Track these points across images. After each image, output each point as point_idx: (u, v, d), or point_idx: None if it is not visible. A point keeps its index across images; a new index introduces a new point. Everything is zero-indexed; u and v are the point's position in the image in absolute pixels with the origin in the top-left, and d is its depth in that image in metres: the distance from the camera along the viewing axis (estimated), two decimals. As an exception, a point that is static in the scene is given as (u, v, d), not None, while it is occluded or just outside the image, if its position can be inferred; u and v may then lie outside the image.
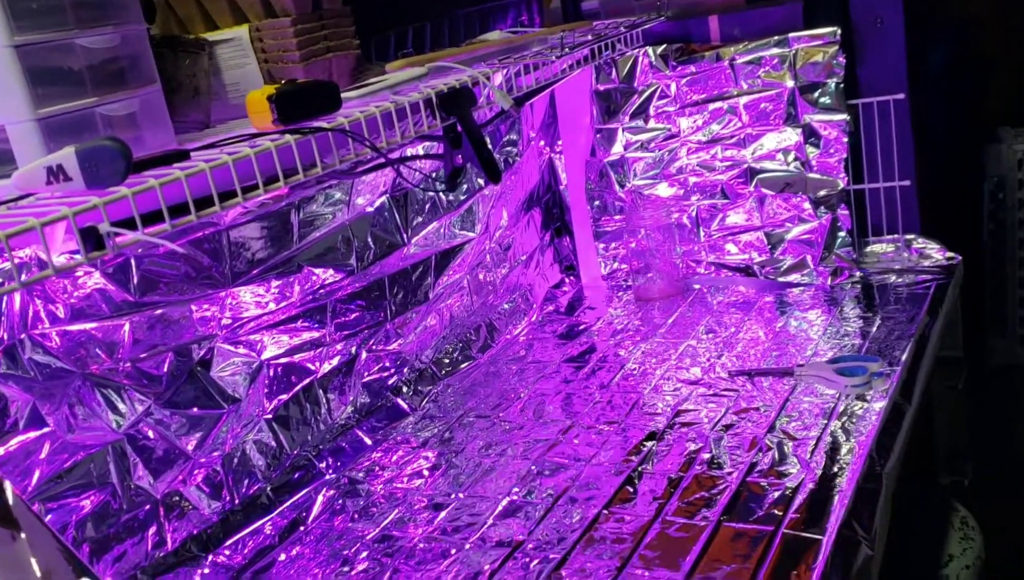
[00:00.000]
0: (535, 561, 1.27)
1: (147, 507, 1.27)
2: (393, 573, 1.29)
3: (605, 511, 1.35)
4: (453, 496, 1.47)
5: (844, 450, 1.40)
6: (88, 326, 1.19)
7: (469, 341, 2.01)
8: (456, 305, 1.94)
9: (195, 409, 1.34)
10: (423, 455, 1.63)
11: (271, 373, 1.48)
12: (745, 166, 2.11)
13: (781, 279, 2.11)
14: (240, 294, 1.40)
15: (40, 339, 1.15)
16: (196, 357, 1.35)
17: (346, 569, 1.32)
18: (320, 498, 1.51)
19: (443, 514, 1.42)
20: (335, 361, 1.61)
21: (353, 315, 1.63)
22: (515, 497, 1.44)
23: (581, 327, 2.12)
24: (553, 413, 1.71)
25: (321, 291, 1.52)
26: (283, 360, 1.50)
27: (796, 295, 2.06)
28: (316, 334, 1.54)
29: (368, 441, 1.67)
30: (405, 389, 1.82)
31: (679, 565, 1.20)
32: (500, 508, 1.41)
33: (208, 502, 1.37)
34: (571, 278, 2.34)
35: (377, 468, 1.60)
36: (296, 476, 1.53)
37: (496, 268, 2.08)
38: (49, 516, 1.13)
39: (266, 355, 1.47)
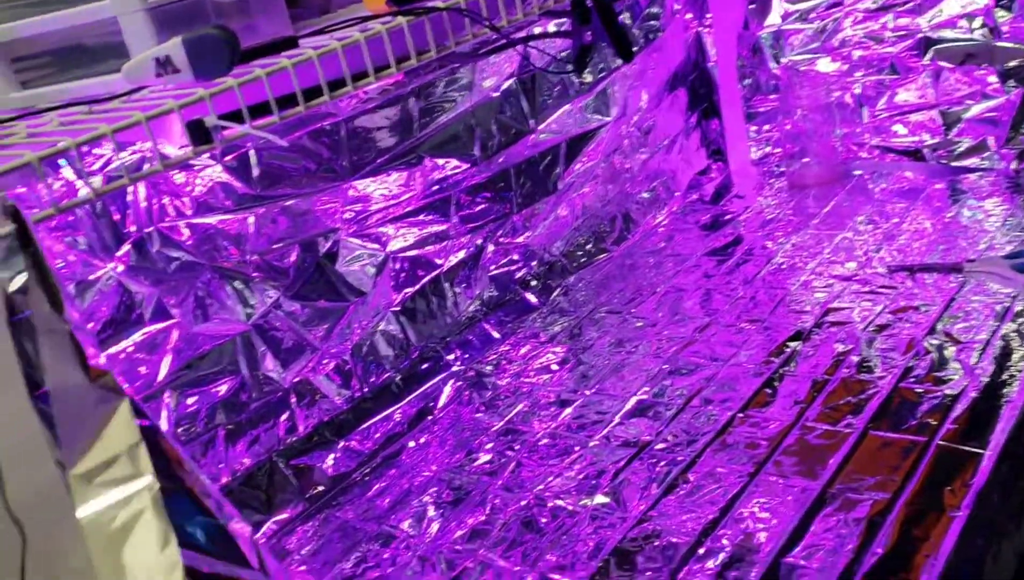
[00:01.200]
0: (662, 462, 1.21)
1: (278, 395, 1.30)
2: (516, 466, 1.28)
3: (740, 414, 1.28)
4: (580, 393, 1.43)
5: (1017, 356, 1.24)
6: (214, 219, 1.20)
7: (603, 232, 1.92)
8: (589, 194, 1.85)
9: (322, 301, 1.34)
10: (551, 350, 1.59)
11: (396, 266, 1.46)
12: (920, 36, 1.87)
13: (955, 164, 1.89)
14: (362, 187, 1.38)
15: (169, 232, 1.17)
16: (322, 250, 1.34)
17: (470, 459, 1.32)
18: (447, 389, 1.51)
19: (569, 410, 1.38)
20: (461, 254, 1.57)
21: (478, 207, 1.58)
22: (645, 396, 1.38)
23: (727, 217, 1.99)
24: (690, 310, 1.62)
25: (444, 183, 1.48)
26: (408, 253, 1.48)
27: (972, 181, 1.85)
28: (441, 227, 1.50)
29: (496, 335, 1.64)
30: (534, 282, 1.77)
31: (817, 474, 1.12)
32: (628, 407, 1.36)
33: (338, 390, 1.39)
34: (718, 164, 2.19)
35: (504, 362, 1.57)
36: (424, 367, 1.52)
37: (634, 154, 1.97)
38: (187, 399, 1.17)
39: (391, 248, 1.45)
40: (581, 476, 1.22)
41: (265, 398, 1.27)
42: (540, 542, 1.12)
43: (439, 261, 1.53)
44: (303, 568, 1.17)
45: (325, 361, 1.36)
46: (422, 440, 1.40)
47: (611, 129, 1.84)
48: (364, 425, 1.40)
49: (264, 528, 1.24)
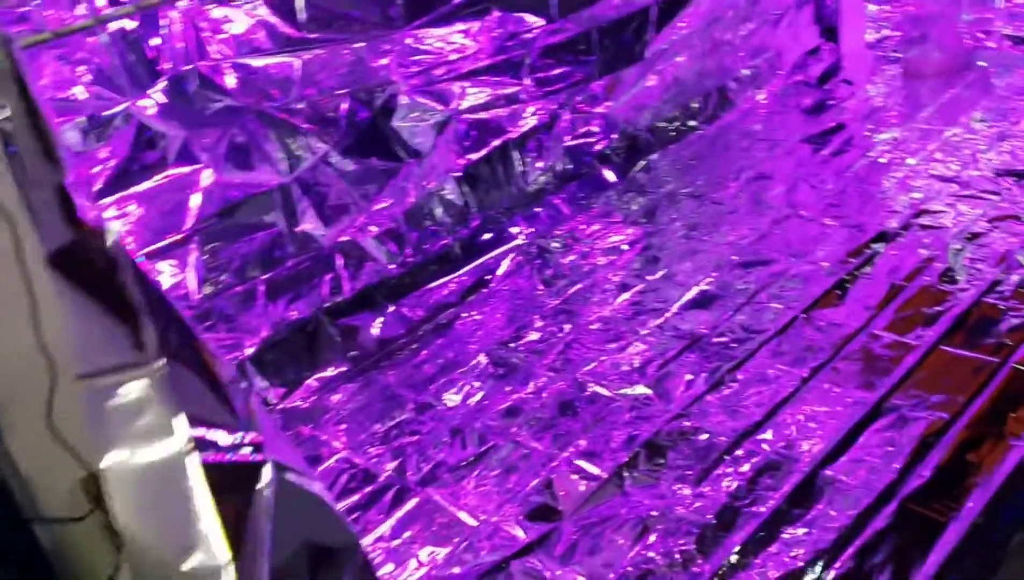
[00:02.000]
0: (713, 358, 1.15)
1: (322, 253, 1.28)
2: (564, 348, 1.24)
3: (804, 315, 1.20)
4: (643, 278, 1.36)
5: (1123, 282, 1.12)
6: (260, 62, 1.15)
7: (694, 109, 1.80)
8: (682, 65, 1.73)
9: (375, 159, 1.30)
10: (623, 230, 1.52)
11: (460, 128, 1.40)
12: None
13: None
14: (422, 37, 1.31)
15: (209, 73, 1.12)
16: (377, 104, 1.29)
17: (518, 335, 1.29)
18: (507, 262, 1.46)
19: (627, 295, 1.33)
20: (532, 120, 1.49)
21: (555, 71, 1.48)
22: (708, 287, 1.31)
23: (831, 102, 1.84)
24: (774, 199, 1.52)
25: (516, 40, 1.39)
26: (474, 115, 1.41)
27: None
28: (511, 89, 1.43)
29: (565, 210, 1.57)
30: (613, 157, 1.68)
31: (875, 386, 1.04)
32: (689, 297, 1.29)
33: (388, 254, 1.36)
34: (829, 44, 2.00)
35: (570, 239, 1.51)
36: (485, 238, 1.48)
37: (738, 25, 1.81)
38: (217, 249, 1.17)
39: (455, 107, 1.38)
40: (626, 365, 1.18)
41: (307, 256, 1.25)
42: (574, 426, 1.09)
43: (508, 126, 1.46)
44: (342, 427, 1.18)
45: (373, 224, 1.33)
46: (474, 312, 1.37)
47: (712, -6, 1.69)
48: (416, 291, 1.39)
49: (305, 383, 1.25)
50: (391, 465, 1.08)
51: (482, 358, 1.25)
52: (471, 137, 1.41)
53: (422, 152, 1.34)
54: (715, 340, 1.19)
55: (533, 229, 1.54)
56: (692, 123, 1.79)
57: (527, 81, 1.44)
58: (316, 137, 1.22)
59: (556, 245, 1.52)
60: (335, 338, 1.30)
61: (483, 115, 1.41)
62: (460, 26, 1.33)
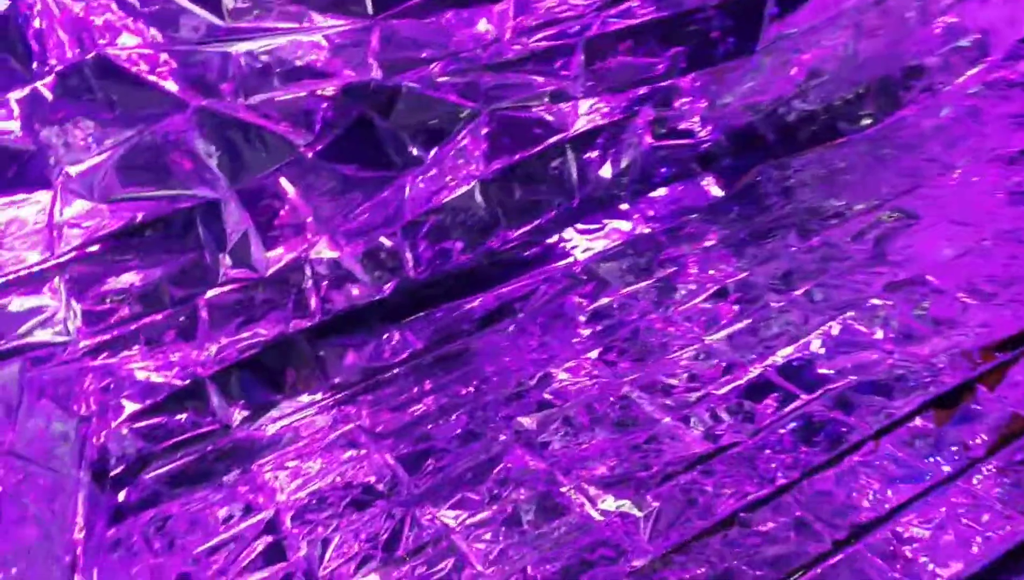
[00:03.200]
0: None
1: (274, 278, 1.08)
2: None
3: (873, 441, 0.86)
4: (711, 334, 1.06)
5: None
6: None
7: (846, 107, 1.40)
8: (833, 48, 1.33)
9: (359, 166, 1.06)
10: (709, 262, 1.21)
11: (487, 127, 1.12)
12: None
13: None
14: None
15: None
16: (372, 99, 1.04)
17: (540, 383, 1.04)
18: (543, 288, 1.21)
19: (689, 354, 1.03)
20: (594, 118, 1.18)
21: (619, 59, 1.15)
22: (770, 376, 0.99)
23: (1048, 112, 1.38)
24: (914, 253, 1.13)
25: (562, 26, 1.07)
26: (506, 112, 1.12)
27: None
28: (556, 84, 1.12)
29: (636, 228, 1.28)
30: (716, 165, 1.34)
31: None
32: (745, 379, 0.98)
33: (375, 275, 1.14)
34: (1063, 29, 1.51)
35: (636, 268, 1.23)
36: (520, 255, 1.23)
37: None
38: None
39: (480, 104, 1.10)
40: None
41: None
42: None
43: (558, 124, 1.16)
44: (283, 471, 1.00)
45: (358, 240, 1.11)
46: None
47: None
48: (420, 314, 1.17)
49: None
50: (306, 551, 0.89)
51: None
52: (503, 137, 1.13)
53: (424, 158, 1.08)
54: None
55: (587, 249, 1.26)
56: (843, 125, 1.40)
57: (579, 74, 1.12)
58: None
59: (613, 270, 1.24)
60: (315, 361, 1.12)
61: (520, 113, 1.13)
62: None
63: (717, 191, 1.34)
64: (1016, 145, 1.31)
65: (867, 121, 1.41)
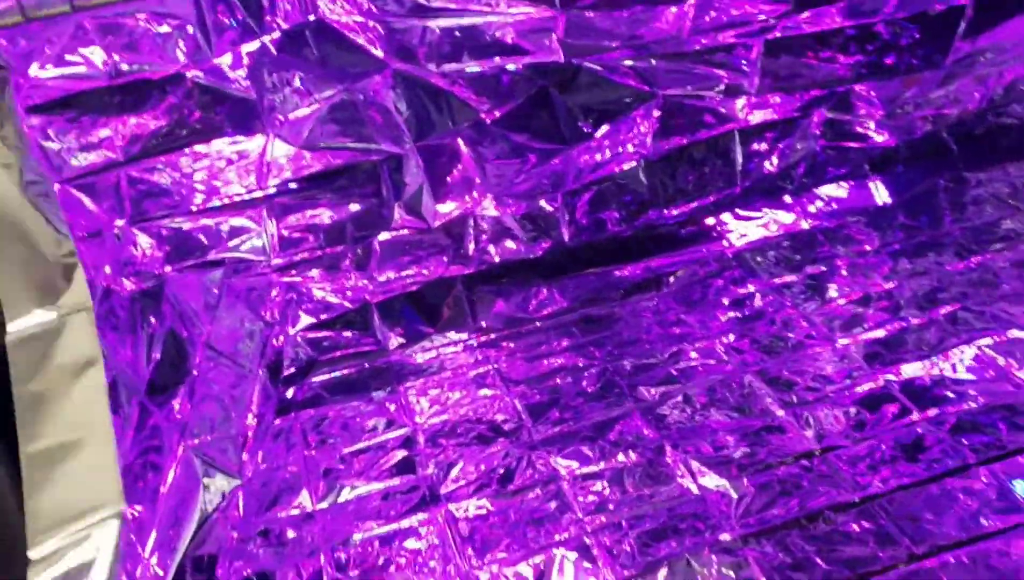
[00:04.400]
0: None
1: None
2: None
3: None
4: (842, 339, 1.09)
5: None
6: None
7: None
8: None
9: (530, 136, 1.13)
10: (865, 271, 1.22)
11: (656, 111, 1.17)
12: None
13: None
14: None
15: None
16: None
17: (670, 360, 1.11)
18: (688, 269, 1.27)
19: (833, 364, 1.07)
20: (767, 113, 1.20)
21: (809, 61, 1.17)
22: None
23: None
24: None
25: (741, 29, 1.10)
26: (679, 99, 1.17)
27: None
28: (729, 81, 1.15)
29: (791, 224, 1.30)
30: (897, 166, 1.32)
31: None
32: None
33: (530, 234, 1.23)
34: None
35: (787, 262, 1.26)
36: (681, 232, 1.28)
37: None
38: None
39: (652, 90, 1.15)
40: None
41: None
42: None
43: (731, 114, 1.20)
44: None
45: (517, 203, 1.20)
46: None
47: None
48: (571, 276, 1.25)
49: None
50: (433, 470, 1.01)
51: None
52: (674, 120, 1.18)
53: (594, 134, 1.15)
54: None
55: (743, 235, 1.30)
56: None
57: (755, 72, 1.15)
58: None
59: (764, 260, 1.27)
60: (468, 303, 1.24)
61: (694, 101, 1.17)
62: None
63: (885, 197, 1.34)
64: None
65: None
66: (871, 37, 1.12)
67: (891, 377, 1.02)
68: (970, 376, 1.00)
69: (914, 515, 0.84)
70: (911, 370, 1.02)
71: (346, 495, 0.99)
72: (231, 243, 1.04)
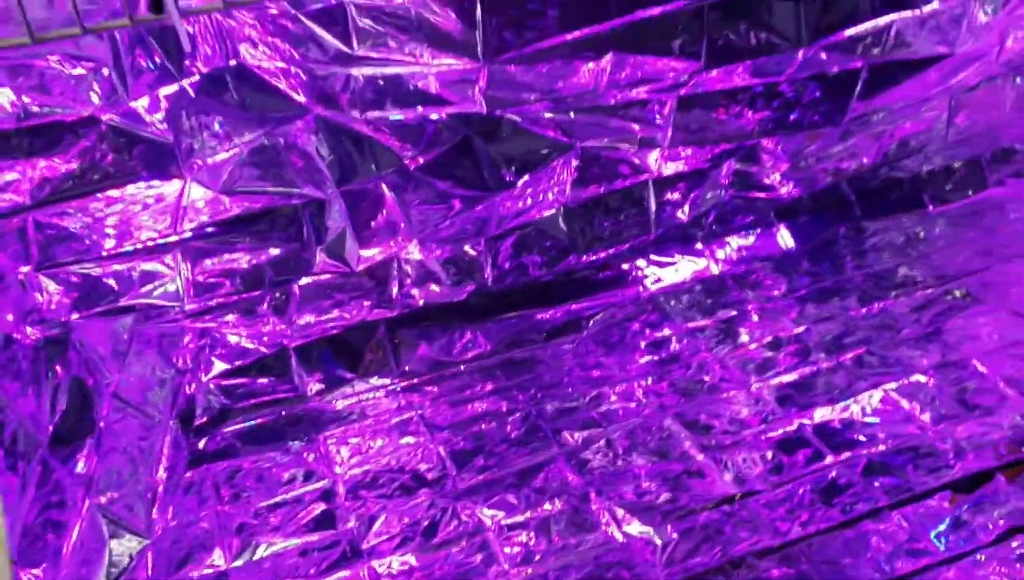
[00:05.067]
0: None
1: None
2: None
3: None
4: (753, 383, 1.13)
5: None
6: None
7: (925, 181, 1.42)
8: (922, 125, 1.36)
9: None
10: (774, 315, 1.26)
11: (576, 161, 1.19)
12: None
13: None
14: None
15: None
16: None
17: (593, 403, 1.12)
18: (608, 312, 1.28)
19: (749, 408, 1.10)
20: (679, 165, 1.24)
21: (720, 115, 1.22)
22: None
23: None
24: (973, 332, 1.17)
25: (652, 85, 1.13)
26: (597, 151, 1.19)
27: None
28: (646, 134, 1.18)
29: (700, 270, 1.34)
30: (799, 217, 1.39)
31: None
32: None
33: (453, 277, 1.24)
34: None
35: (697, 308, 1.29)
36: (597, 276, 1.31)
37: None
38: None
39: (572, 141, 1.17)
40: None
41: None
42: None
43: (645, 165, 1.23)
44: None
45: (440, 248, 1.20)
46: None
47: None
48: (494, 319, 1.25)
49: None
50: (354, 523, 0.98)
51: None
52: (591, 170, 1.20)
53: (516, 183, 1.15)
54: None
55: (658, 280, 1.33)
56: (926, 197, 1.43)
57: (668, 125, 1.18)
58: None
59: (678, 305, 1.30)
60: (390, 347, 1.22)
61: (610, 153, 1.19)
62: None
63: (791, 244, 1.39)
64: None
65: (952, 196, 1.44)
66: (776, 95, 1.18)
67: (804, 420, 1.05)
68: (877, 419, 1.04)
69: (832, 559, 0.87)
70: (822, 413, 1.06)
71: (261, 552, 0.96)
72: (143, 289, 1.01)
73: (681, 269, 1.36)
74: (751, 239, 1.39)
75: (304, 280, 1.10)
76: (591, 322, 1.29)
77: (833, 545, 0.88)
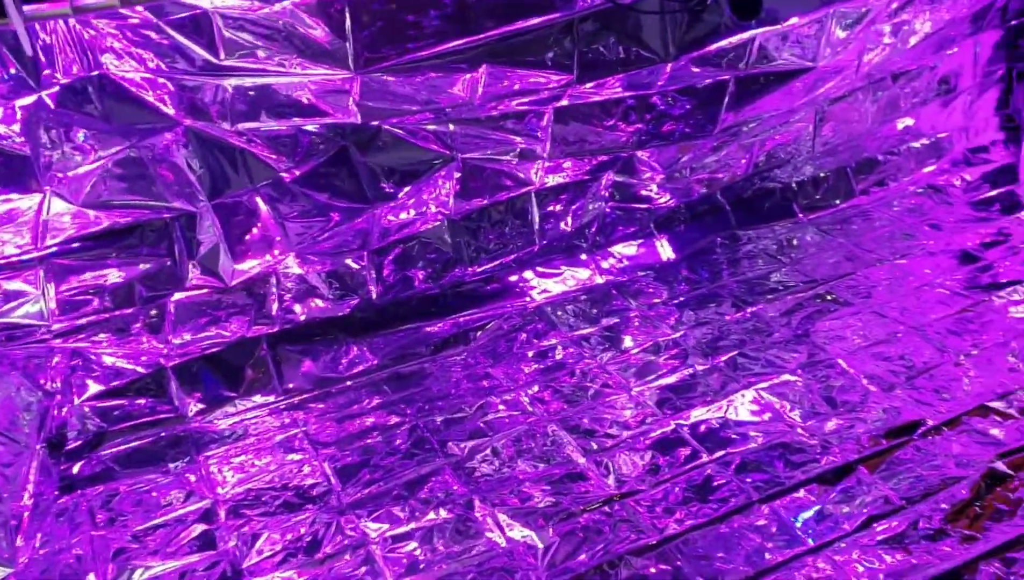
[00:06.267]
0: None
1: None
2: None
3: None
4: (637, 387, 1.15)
5: None
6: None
7: (795, 191, 1.49)
8: (789, 136, 1.42)
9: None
10: (655, 321, 1.30)
11: (457, 173, 1.20)
12: None
13: None
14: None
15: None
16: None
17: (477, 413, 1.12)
18: (494, 323, 1.30)
19: (632, 411, 1.12)
20: (559, 178, 1.27)
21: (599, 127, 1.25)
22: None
23: (989, 220, 1.48)
24: (839, 331, 1.23)
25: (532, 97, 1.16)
26: (477, 162, 1.21)
27: None
28: (527, 146, 1.20)
29: (581, 278, 1.37)
30: (678, 226, 1.43)
31: None
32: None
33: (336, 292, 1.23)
34: (1012, 146, 1.61)
35: (581, 316, 1.32)
36: (482, 289, 1.32)
37: (884, 92, 1.47)
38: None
39: (452, 153, 1.19)
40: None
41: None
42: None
43: (526, 178, 1.25)
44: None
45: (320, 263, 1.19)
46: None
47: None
48: (379, 334, 1.25)
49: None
50: (235, 543, 0.96)
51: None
52: (473, 182, 1.22)
53: (396, 194, 1.16)
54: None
55: (544, 291, 1.35)
56: (796, 206, 1.49)
57: (546, 138, 1.21)
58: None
59: (563, 314, 1.32)
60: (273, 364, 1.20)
61: (491, 164, 1.21)
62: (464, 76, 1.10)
63: (670, 253, 1.43)
64: (955, 245, 1.40)
65: (821, 205, 1.51)
66: (649, 107, 1.21)
67: (682, 421, 1.08)
68: (751, 418, 1.08)
69: (707, 554, 0.89)
70: (699, 414, 1.09)
71: (138, 577, 0.92)
72: (4, 308, 0.96)
73: (566, 279, 1.38)
74: (633, 249, 1.43)
75: (178, 296, 1.07)
76: (479, 334, 1.30)
77: (707, 541, 0.91)
